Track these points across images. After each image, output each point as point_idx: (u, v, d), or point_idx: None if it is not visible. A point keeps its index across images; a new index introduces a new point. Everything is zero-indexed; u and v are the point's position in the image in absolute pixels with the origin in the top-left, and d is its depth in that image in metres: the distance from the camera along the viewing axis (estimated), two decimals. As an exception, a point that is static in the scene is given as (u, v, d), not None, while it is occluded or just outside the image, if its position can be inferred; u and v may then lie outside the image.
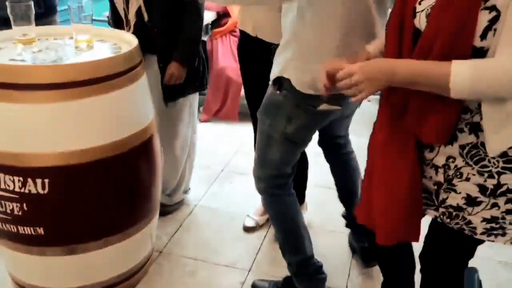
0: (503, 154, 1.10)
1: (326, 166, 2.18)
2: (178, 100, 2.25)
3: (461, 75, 1.00)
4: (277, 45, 1.62)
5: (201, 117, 3.65)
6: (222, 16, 3.67)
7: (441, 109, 1.10)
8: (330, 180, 2.19)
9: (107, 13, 2.40)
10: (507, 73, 0.98)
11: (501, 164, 1.10)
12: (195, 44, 2.19)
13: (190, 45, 2.16)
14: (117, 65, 1.61)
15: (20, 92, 1.45)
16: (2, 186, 1.54)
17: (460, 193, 1.18)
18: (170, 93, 2.19)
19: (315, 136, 1.87)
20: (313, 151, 2.15)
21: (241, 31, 2.17)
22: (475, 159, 1.13)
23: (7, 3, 1.70)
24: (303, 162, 2.26)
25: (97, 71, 1.55)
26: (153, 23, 2.06)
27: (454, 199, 1.19)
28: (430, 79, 1.06)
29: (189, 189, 2.64)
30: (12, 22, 1.72)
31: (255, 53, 2.09)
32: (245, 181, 2.68)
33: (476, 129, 1.11)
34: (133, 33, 1.98)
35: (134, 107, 1.71)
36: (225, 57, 3.59)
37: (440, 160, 1.19)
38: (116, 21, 2.14)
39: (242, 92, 2.56)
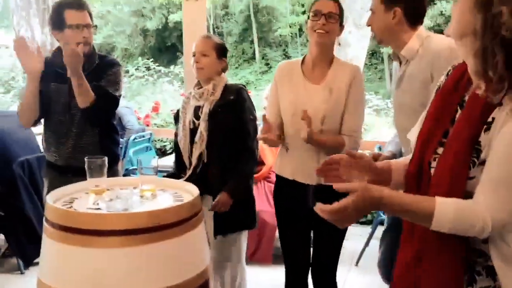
0: None
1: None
2: (228, 235, 2.41)
3: (444, 216, 1.14)
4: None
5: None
6: (257, 163, 3.95)
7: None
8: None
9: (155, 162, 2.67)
10: (482, 217, 1.12)
11: None
12: (246, 180, 2.43)
13: (241, 180, 2.39)
14: (180, 213, 1.77)
15: (98, 238, 1.61)
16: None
17: None
18: (221, 227, 2.36)
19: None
20: None
21: (278, 176, 2.37)
22: None
23: (85, 159, 1.94)
24: None
25: (162, 218, 1.71)
26: (212, 166, 2.33)
27: None
28: (415, 215, 1.20)
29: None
30: (88, 176, 1.95)
31: (291, 195, 2.27)
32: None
33: (493, 273, 1.20)
34: (191, 174, 2.25)
35: (193, 253, 1.83)
36: (260, 201, 3.78)
37: None
38: (179, 164, 2.43)
39: (277, 234, 2.70)
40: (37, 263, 3.26)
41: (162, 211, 1.73)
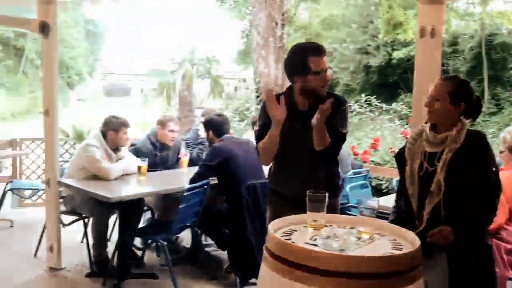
0: None
1: None
2: None
3: None
4: None
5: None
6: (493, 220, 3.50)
7: None
8: None
9: (375, 203, 2.56)
10: None
11: None
12: (479, 227, 2.18)
13: (473, 225, 2.15)
14: (398, 264, 1.65)
15: (312, 275, 1.60)
16: None
17: None
18: None
19: None
20: None
21: None
22: None
23: (307, 193, 1.98)
24: None
25: (378, 266, 1.62)
26: (447, 220, 2.12)
27: None
28: None
29: None
30: (308, 209, 1.98)
31: None
32: None
33: None
34: (424, 228, 2.09)
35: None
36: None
37: None
38: (408, 213, 2.28)
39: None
40: (253, 283, 3.50)
41: (379, 259, 1.64)
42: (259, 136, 2.56)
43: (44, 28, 3.86)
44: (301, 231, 1.94)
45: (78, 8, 26.54)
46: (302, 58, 2.40)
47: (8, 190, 5.28)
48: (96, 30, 31.84)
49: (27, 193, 5.95)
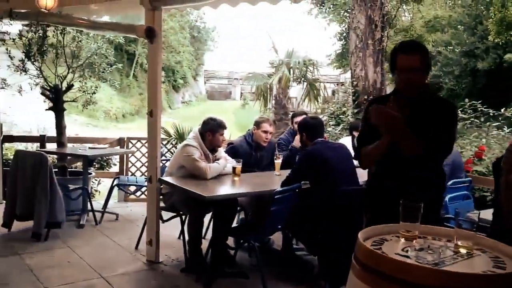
0: None
1: None
2: None
3: None
4: None
5: None
6: None
7: None
8: None
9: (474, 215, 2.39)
10: None
11: None
12: None
13: None
14: (500, 284, 1.54)
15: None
16: None
17: None
18: None
19: None
20: None
21: None
22: None
23: (401, 202, 1.91)
24: None
25: (478, 285, 1.51)
26: None
27: None
28: None
29: None
30: (401, 218, 1.91)
31: None
32: None
33: None
34: None
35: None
36: None
37: None
38: (497, 227, 2.13)
39: None
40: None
41: (479, 277, 1.53)
42: (361, 142, 2.54)
43: (150, 34, 4.11)
44: (392, 241, 1.87)
45: (184, 15, 27.97)
46: (393, 55, 2.42)
47: (115, 185, 5.71)
48: (200, 36, 33.23)
49: (132, 188, 6.38)
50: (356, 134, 4.41)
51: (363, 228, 1.92)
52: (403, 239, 1.88)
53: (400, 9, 12.18)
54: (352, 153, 3.92)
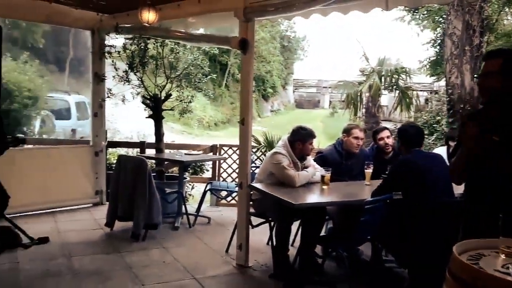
0: None
1: None
2: None
3: None
4: None
5: None
6: None
7: None
8: None
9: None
10: None
11: None
12: None
13: None
14: None
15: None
16: None
17: None
18: None
19: None
20: None
21: None
22: None
23: (500, 216, 1.81)
24: None
25: None
26: None
27: None
28: None
29: None
30: (500, 233, 1.82)
31: None
32: None
33: None
34: None
35: None
36: None
37: None
38: None
39: None
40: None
41: None
42: (452, 154, 2.46)
43: (243, 45, 4.25)
44: (491, 257, 1.79)
45: (275, 25, 28.41)
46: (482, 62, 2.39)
47: (207, 190, 5.95)
48: (290, 45, 33.51)
49: (223, 193, 6.60)
50: (452, 144, 4.21)
51: (458, 241, 1.85)
52: (503, 255, 1.78)
53: (502, 12, 11.40)
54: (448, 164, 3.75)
